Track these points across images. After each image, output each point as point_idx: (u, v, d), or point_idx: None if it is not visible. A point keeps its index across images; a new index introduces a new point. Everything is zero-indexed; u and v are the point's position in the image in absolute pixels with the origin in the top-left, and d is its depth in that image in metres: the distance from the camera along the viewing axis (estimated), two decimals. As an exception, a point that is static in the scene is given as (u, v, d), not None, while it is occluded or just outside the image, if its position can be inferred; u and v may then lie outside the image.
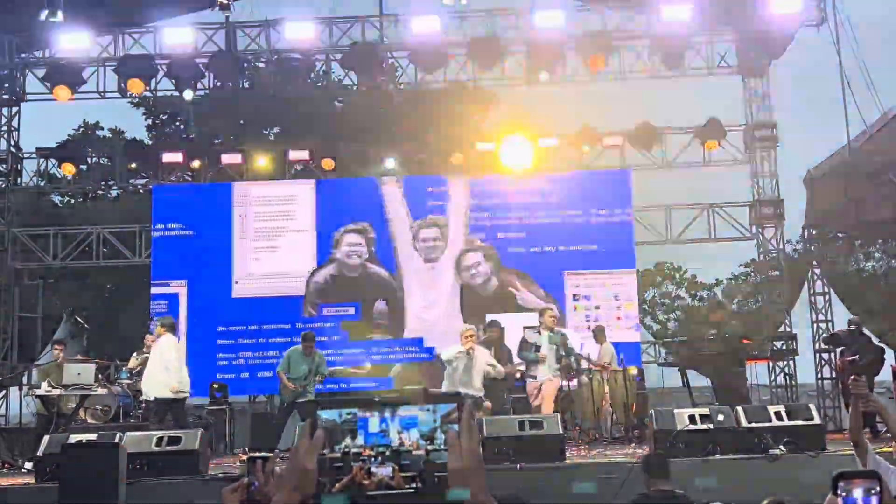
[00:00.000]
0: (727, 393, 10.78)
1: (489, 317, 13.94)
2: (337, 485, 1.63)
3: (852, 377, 5.06)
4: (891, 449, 5.08)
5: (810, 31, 14.71)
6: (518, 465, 7.76)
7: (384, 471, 1.64)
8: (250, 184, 16.09)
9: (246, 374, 14.74)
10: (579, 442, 10.93)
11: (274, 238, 15.46)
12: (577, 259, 15.15)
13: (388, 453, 1.65)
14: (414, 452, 1.66)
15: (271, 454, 1.93)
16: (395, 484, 1.63)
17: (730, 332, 10.79)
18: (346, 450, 1.65)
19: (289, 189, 15.89)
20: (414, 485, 1.63)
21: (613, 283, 15.12)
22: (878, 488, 1.48)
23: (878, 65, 13.63)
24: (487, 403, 10.56)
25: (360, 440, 1.65)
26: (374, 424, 1.66)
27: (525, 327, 12.16)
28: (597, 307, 14.73)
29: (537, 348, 11.08)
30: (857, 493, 1.48)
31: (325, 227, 15.50)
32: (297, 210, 15.59)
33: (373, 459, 1.65)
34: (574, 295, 15.07)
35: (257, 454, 1.95)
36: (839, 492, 1.48)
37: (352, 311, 15.19)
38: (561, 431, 8.43)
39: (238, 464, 8.94)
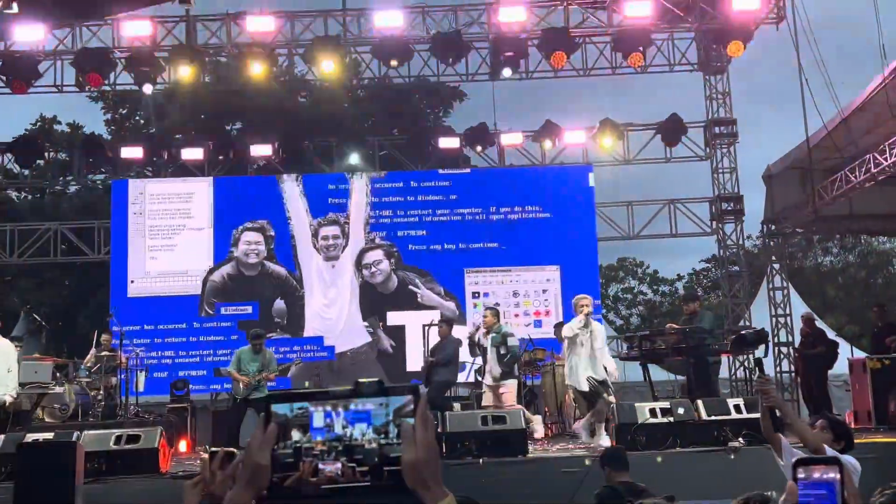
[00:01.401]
0: (697, 387, 10.85)
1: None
2: (286, 481, 1.61)
3: (758, 375, 5.19)
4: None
5: (770, 29, 14.89)
6: (481, 460, 7.77)
7: (333, 466, 1.62)
8: (146, 181, 15.98)
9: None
10: (544, 436, 10.98)
11: (170, 236, 15.31)
12: (479, 257, 15.24)
13: (340, 448, 1.63)
14: (366, 446, 1.64)
15: (229, 450, 1.90)
16: (344, 479, 1.61)
17: (705, 323, 10.82)
18: (298, 445, 1.63)
19: (185, 186, 15.73)
20: (366, 479, 1.61)
21: (513, 279, 15.18)
22: (838, 473, 1.49)
23: (835, 63, 13.83)
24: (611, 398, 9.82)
25: (311, 434, 1.63)
26: (318, 419, 1.64)
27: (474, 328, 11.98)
28: (496, 304, 14.78)
29: (483, 349, 10.85)
30: (815, 478, 1.49)
31: (223, 225, 15.38)
32: (194, 208, 15.44)
33: (325, 454, 1.63)
34: (473, 292, 15.12)
35: (218, 449, 1.92)
36: (798, 478, 1.49)
37: (249, 310, 15.08)
38: (524, 426, 8.47)
39: (199, 461, 8.85)
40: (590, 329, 10.00)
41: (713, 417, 8.16)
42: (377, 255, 15.37)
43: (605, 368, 9.97)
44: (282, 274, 15.29)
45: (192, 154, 15.97)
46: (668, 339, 10.14)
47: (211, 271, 15.24)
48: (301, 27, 15.27)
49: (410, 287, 15.21)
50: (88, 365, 12.32)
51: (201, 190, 15.58)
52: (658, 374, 13.68)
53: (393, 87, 19.95)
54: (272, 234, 15.39)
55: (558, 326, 12.91)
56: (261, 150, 16.04)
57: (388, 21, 14.74)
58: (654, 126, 16.01)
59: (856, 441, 5.18)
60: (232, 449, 1.89)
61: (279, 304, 15.13)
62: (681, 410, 8.23)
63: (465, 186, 15.63)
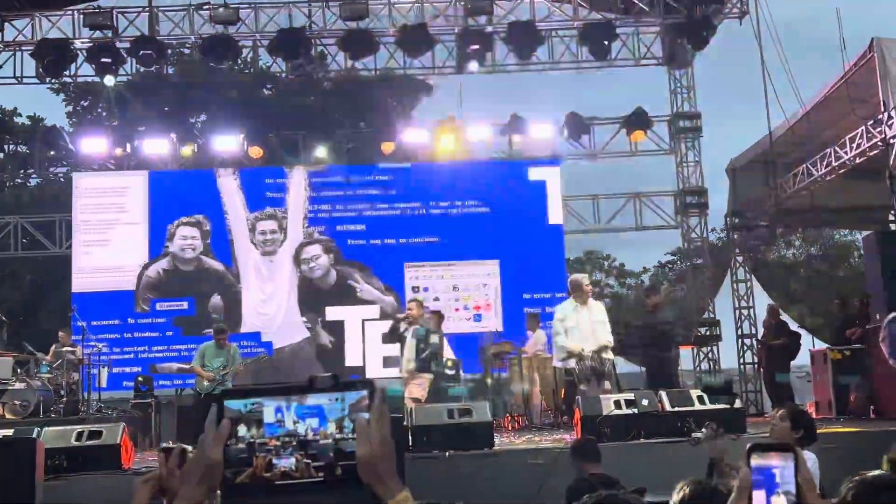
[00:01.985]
0: (658, 378, 10.96)
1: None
2: (239, 478, 1.59)
3: (709, 425, 5.25)
4: None
5: (733, 24, 15.03)
6: (446, 453, 7.77)
7: (286, 462, 1.60)
8: (81, 175, 15.82)
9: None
10: (509, 428, 11.03)
11: (104, 231, 15.10)
12: (419, 251, 15.21)
13: (294, 443, 1.62)
14: (321, 441, 1.63)
15: (176, 445, 1.87)
16: (298, 475, 1.60)
17: (669, 316, 10.96)
18: (251, 440, 1.61)
19: (120, 180, 15.55)
20: (320, 474, 1.60)
21: (453, 274, 15.20)
22: (792, 460, 1.50)
23: (798, 57, 13.99)
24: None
25: (264, 430, 1.61)
26: (269, 414, 1.62)
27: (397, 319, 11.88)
28: (436, 299, 14.83)
29: (402, 339, 10.79)
30: (770, 465, 1.50)
31: (158, 219, 15.18)
32: (129, 202, 15.24)
33: (279, 450, 1.61)
34: (413, 287, 15.10)
35: (170, 445, 1.89)
36: (752, 463, 1.50)
37: (185, 305, 14.93)
38: (490, 419, 8.48)
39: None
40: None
41: (677, 409, 8.23)
42: (316, 249, 15.26)
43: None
44: (218, 269, 15.12)
45: (155, 147, 15.78)
46: (633, 331, 10.22)
47: (146, 267, 15.01)
48: (265, 19, 15.14)
49: (350, 282, 15.11)
50: (50, 360, 12.16)
51: (136, 184, 15.35)
52: (623, 365, 13.80)
53: (359, 80, 19.84)
54: (208, 228, 15.20)
55: (531, 317, 12.98)
56: (225, 143, 15.89)
57: (355, 13, 14.64)
58: (619, 120, 16.09)
59: (818, 431, 5.20)
60: (185, 445, 1.87)
61: (216, 299, 14.94)
62: (645, 402, 8.28)
63: (405, 181, 15.55)
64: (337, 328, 14.78)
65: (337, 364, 14.31)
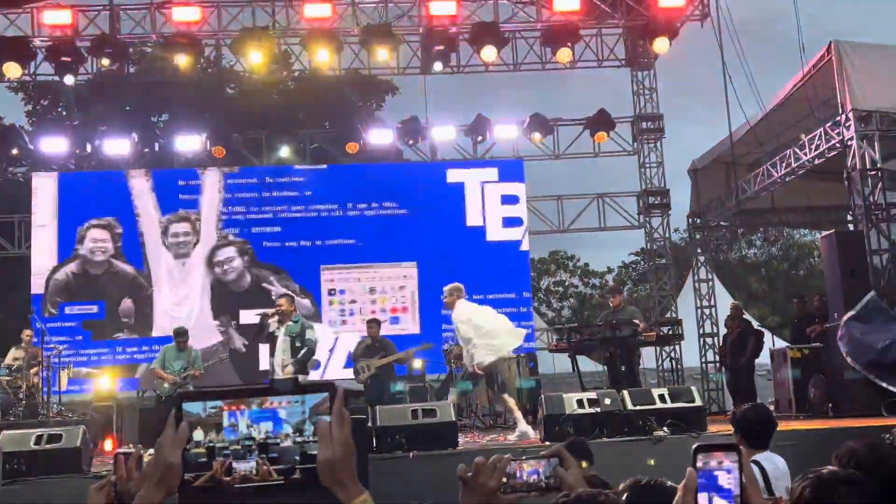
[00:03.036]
0: (620, 377, 11.05)
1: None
2: (198, 481, 1.60)
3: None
4: None
5: (695, 26, 15.19)
6: (411, 453, 7.78)
7: (246, 465, 1.61)
8: (40, 175, 15.68)
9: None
10: (474, 428, 11.05)
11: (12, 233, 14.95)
12: (335, 253, 15.18)
13: (253, 447, 1.62)
14: (282, 444, 1.63)
15: (134, 450, 1.86)
16: (259, 478, 1.61)
17: (631, 316, 11.04)
18: (211, 444, 1.61)
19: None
20: (280, 477, 1.61)
21: (370, 277, 15.21)
22: (737, 460, 1.52)
23: (758, 59, 14.19)
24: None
25: (224, 434, 1.61)
26: (228, 418, 1.63)
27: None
28: (352, 301, 14.83)
29: (273, 338, 9.92)
30: (715, 465, 1.52)
31: (67, 221, 14.98)
32: (38, 203, 15.06)
33: (239, 453, 1.61)
34: (329, 290, 15.10)
35: (124, 450, 1.89)
36: (698, 464, 1.52)
37: (95, 309, 14.75)
38: (454, 418, 8.50)
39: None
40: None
41: (638, 407, 8.31)
42: (229, 252, 15.15)
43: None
44: (129, 272, 14.95)
45: (116, 147, 15.60)
46: (595, 331, 10.30)
47: (55, 270, 14.80)
48: (228, 17, 15.02)
49: (264, 284, 15.02)
50: (9, 363, 11.98)
51: (45, 185, 15.15)
52: (587, 364, 13.90)
53: (323, 80, 19.76)
54: (119, 231, 15.03)
55: None
56: (188, 143, 15.75)
57: (318, 13, 14.58)
58: (582, 121, 16.21)
59: (778, 429, 5.18)
60: (142, 451, 1.86)
61: (126, 303, 14.77)
62: (607, 401, 8.36)
63: (321, 182, 15.47)
64: (251, 332, 14.62)
65: (250, 368, 14.13)
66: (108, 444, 11.05)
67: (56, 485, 7.40)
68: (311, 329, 10.05)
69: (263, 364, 13.73)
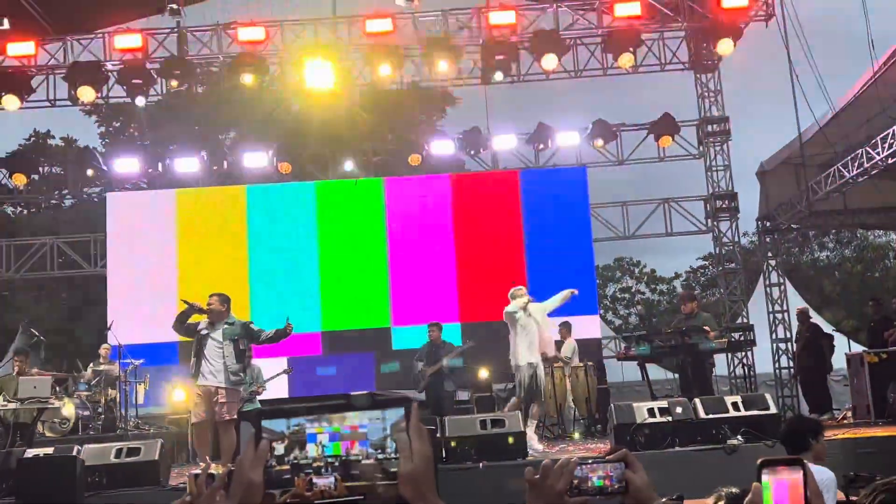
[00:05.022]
0: (693, 385, 10.87)
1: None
2: (283, 497, 1.63)
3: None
4: None
5: (760, 26, 14.94)
6: (480, 464, 7.79)
7: (326, 481, 1.64)
8: (114, 195, 16.07)
9: None
10: (542, 438, 10.99)
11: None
12: None
13: (336, 463, 1.65)
14: (363, 462, 1.66)
15: (213, 469, 1.91)
16: (337, 493, 1.64)
17: (709, 323, 10.87)
18: (295, 461, 1.65)
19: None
20: (362, 494, 1.64)
21: None
22: (802, 474, 1.51)
23: (826, 57, 13.88)
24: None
25: (308, 450, 1.65)
26: (310, 435, 1.66)
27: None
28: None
29: (200, 338, 8.89)
30: (780, 480, 1.51)
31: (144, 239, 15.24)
32: (112, 222, 15.37)
33: (321, 470, 1.65)
34: None
35: (198, 471, 1.93)
36: (763, 479, 1.51)
37: None
38: (522, 429, 8.48)
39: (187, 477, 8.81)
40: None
41: (711, 416, 8.18)
42: None
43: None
44: None
45: (186, 165, 16.00)
46: (666, 338, 10.17)
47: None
48: (292, 35, 15.29)
49: None
50: (87, 378, 12.33)
51: (120, 204, 15.53)
52: (656, 373, 13.72)
53: (385, 94, 19.95)
54: None
55: (564, 326, 12.86)
56: (255, 160, 16.05)
57: (379, 27, 14.75)
58: (646, 126, 16.05)
59: (856, 435, 5.13)
60: (212, 469, 1.91)
61: None
62: (679, 410, 8.24)
63: None
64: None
65: None
66: (182, 457, 11.29)
67: (135, 497, 7.59)
68: (252, 322, 9.32)
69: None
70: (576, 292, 10.09)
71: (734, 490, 2.50)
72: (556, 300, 9.86)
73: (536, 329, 9.38)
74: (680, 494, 4.81)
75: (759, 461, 1.53)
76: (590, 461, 1.73)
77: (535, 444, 8.99)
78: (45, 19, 14.70)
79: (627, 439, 7.95)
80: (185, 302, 8.99)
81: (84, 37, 15.27)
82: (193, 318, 8.96)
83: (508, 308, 9.43)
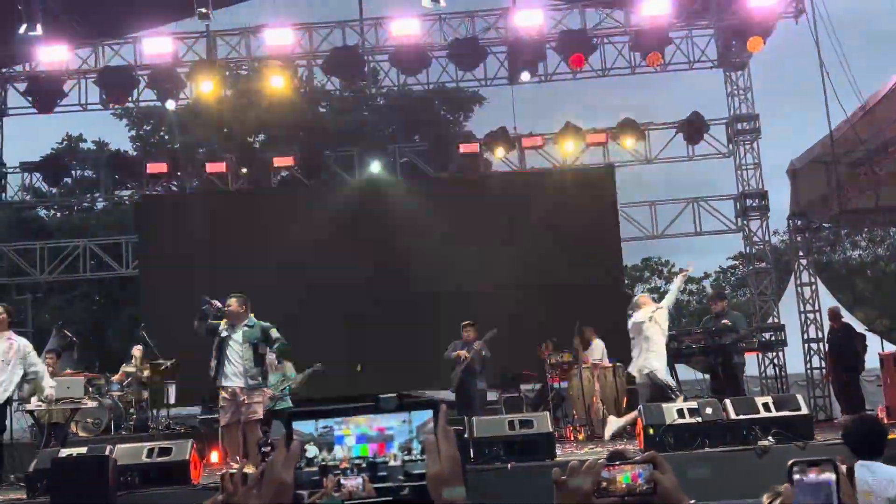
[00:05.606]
0: (723, 386, 10.79)
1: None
2: (312, 498, 1.65)
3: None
4: None
5: (789, 23, 14.80)
6: (509, 465, 7.78)
7: (354, 482, 1.66)
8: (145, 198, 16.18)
9: None
10: (571, 440, 10.97)
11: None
12: None
13: (363, 465, 1.67)
14: (391, 464, 1.68)
15: (237, 469, 1.94)
16: (365, 494, 1.65)
17: (738, 323, 10.81)
18: (323, 462, 1.67)
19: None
20: (388, 494, 1.65)
21: None
22: (834, 475, 1.50)
23: (857, 54, 13.70)
24: None
25: (336, 452, 1.67)
26: (339, 437, 1.68)
27: None
28: None
29: (222, 340, 9.03)
30: (812, 481, 1.50)
31: (173, 241, 15.20)
32: (144, 225, 15.51)
33: (349, 471, 1.67)
34: None
35: (232, 470, 1.96)
36: (794, 479, 1.50)
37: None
38: (551, 429, 8.45)
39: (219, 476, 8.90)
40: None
41: (742, 416, 8.10)
42: None
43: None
44: None
45: (215, 168, 16.15)
46: (695, 338, 10.11)
47: None
48: (319, 38, 15.37)
49: None
50: (120, 378, 12.48)
51: (151, 207, 15.68)
52: (686, 373, 13.62)
53: (412, 95, 20.00)
54: None
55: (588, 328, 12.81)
56: (282, 162, 16.16)
57: (406, 29, 14.79)
58: (675, 125, 15.95)
59: (891, 436, 5.04)
60: (246, 469, 1.93)
61: None
62: (709, 410, 8.17)
63: None
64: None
65: None
66: (213, 457, 11.37)
67: (167, 496, 7.66)
68: (273, 328, 9.18)
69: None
70: (690, 270, 10.39)
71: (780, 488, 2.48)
72: (675, 290, 10.15)
73: (662, 337, 9.86)
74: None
75: (790, 462, 1.52)
76: (617, 462, 1.72)
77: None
78: (76, 25, 14.90)
79: (657, 440, 7.90)
80: (205, 300, 9.09)
81: (115, 41, 15.47)
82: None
83: (636, 318, 9.62)
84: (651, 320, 9.93)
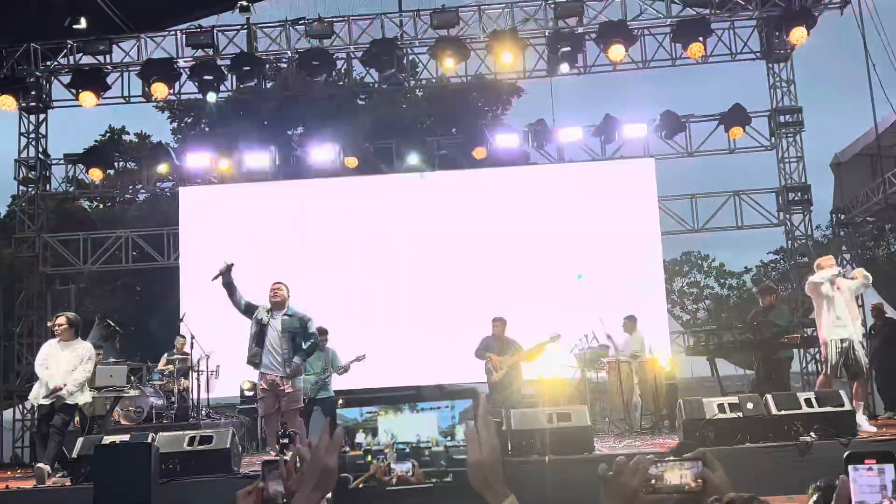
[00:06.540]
0: (767, 381, 10.64)
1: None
2: (357, 480, 1.67)
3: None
4: None
5: (834, 14, 14.55)
6: (546, 458, 7.76)
7: (403, 466, 1.67)
8: (186, 189, 16.31)
9: None
10: (609, 434, 10.91)
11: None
12: None
13: (407, 450, 1.68)
14: (433, 449, 1.69)
15: (279, 457, 1.95)
16: (414, 480, 1.66)
17: (781, 318, 10.65)
18: (368, 447, 1.68)
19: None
20: (433, 480, 1.66)
21: None
22: (892, 467, 1.48)
23: (903, 46, 13.43)
24: None
25: (380, 438, 1.68)
26: (384, 423, 1.69)
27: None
28: None
29: (262, 326, 9.20)
30: (867, 473, 1.48)
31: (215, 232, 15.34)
32: (185, 216, 15.56)
33: (394, 456, 1.68)
34: None
35: (272, 459, 1.98)
36: (850, 471, 1.48)
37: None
38: (589, 423, 8.41)
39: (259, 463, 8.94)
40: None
41: (783, 412, 7.99)
42: None
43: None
44: None
45: (256, 160, 16.28)
46: (736, 333, 9.99)
47: None
48: (358, 30, 15.41)
49: None
50: (161, 368, 12.65)
51: (192, 198, 15.69)
52: (727, 368, 13.49)
53: (450, 87, 19.98)
54: None
55: (630, 319, 12.63)
56: (322, 154, 16.24)
57: (445, 20, 14.76)
58: (716, 117, 15.75)
59: None
60: (284, 456, 1.95)
61: None
62: (750, 405, 8.07)
63: None
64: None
65: None
66: (253, 445, 11.50)
67: (207, 485, 7.75)
68: (310, 320, 9.30)
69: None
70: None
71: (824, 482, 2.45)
72: (858, 282, 9.72)
73: (844, 302, 9.20)
74: (752, 495, 4.72)
75: (845, 454, 1.50)
76: (666, 459, 1.71)
77: (865, 425, 8.70)
78: (120, 18, 15.10)
79: (696, 435, 7.83)
80: (226, 264, 9.19)
81: (157, 34, 15.64)
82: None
83: (814, 278, 9.33)
84: (833, 284, 9.39)
